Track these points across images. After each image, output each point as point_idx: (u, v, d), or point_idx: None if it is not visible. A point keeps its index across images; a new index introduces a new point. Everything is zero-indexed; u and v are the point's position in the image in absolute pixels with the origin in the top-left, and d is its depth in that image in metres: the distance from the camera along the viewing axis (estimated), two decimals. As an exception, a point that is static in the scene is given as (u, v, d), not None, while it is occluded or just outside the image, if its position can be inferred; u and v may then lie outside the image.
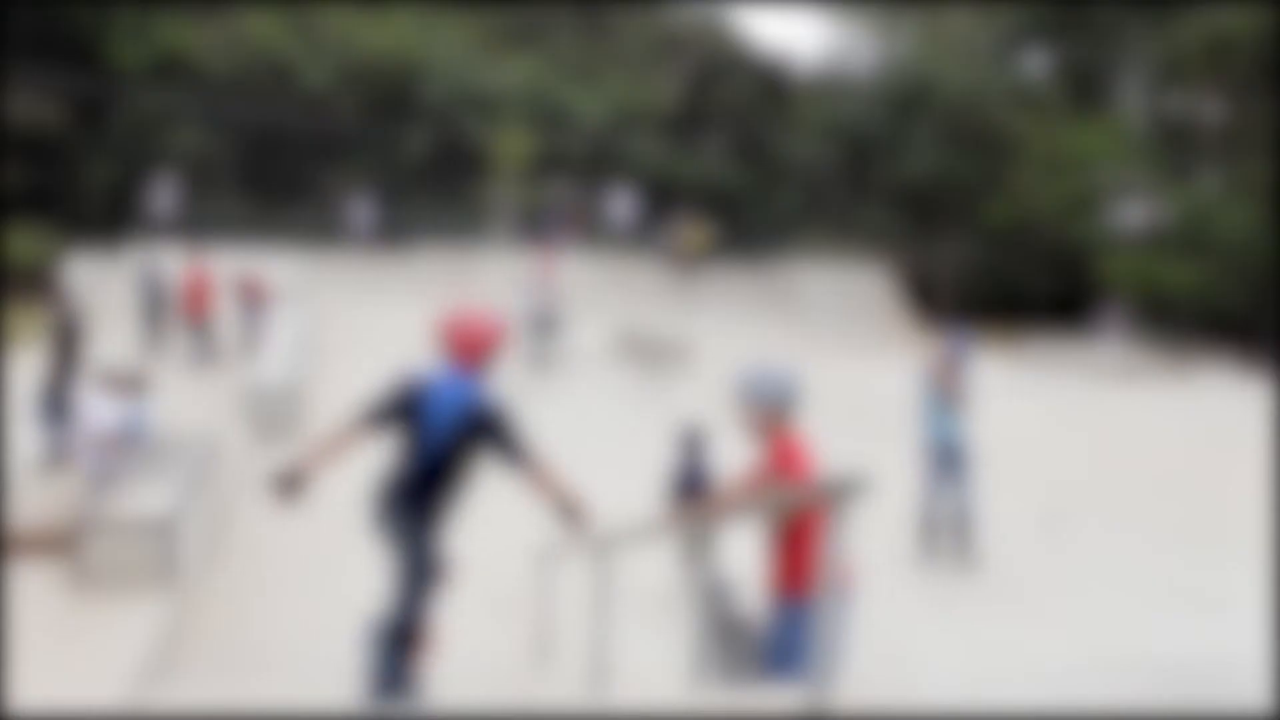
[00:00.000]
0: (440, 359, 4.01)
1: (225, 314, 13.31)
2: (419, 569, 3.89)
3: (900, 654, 5.67)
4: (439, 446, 3.89)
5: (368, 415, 3.90)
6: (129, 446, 7.15)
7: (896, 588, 6.55)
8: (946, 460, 7.43)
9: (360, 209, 18.67)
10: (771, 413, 3.62)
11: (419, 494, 3.92)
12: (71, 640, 5.33)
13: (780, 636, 3.53)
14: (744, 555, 4.05)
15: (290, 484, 3.89)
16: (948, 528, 7.55)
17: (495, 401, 3.96)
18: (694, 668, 4.49)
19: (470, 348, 3.98)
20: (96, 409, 7.18)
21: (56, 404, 8.04)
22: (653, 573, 6.19)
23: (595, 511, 4.08)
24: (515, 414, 3.98)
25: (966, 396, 7.54)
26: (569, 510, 3.94)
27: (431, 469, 3.91)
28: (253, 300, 13.11)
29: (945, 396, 7.39)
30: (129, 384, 7.54)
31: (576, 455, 9.81)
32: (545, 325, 13.06)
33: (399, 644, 3.95)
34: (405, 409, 3.88)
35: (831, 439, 4.31)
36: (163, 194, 17.72)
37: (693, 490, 6.67)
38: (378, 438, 3.93)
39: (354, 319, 14.47)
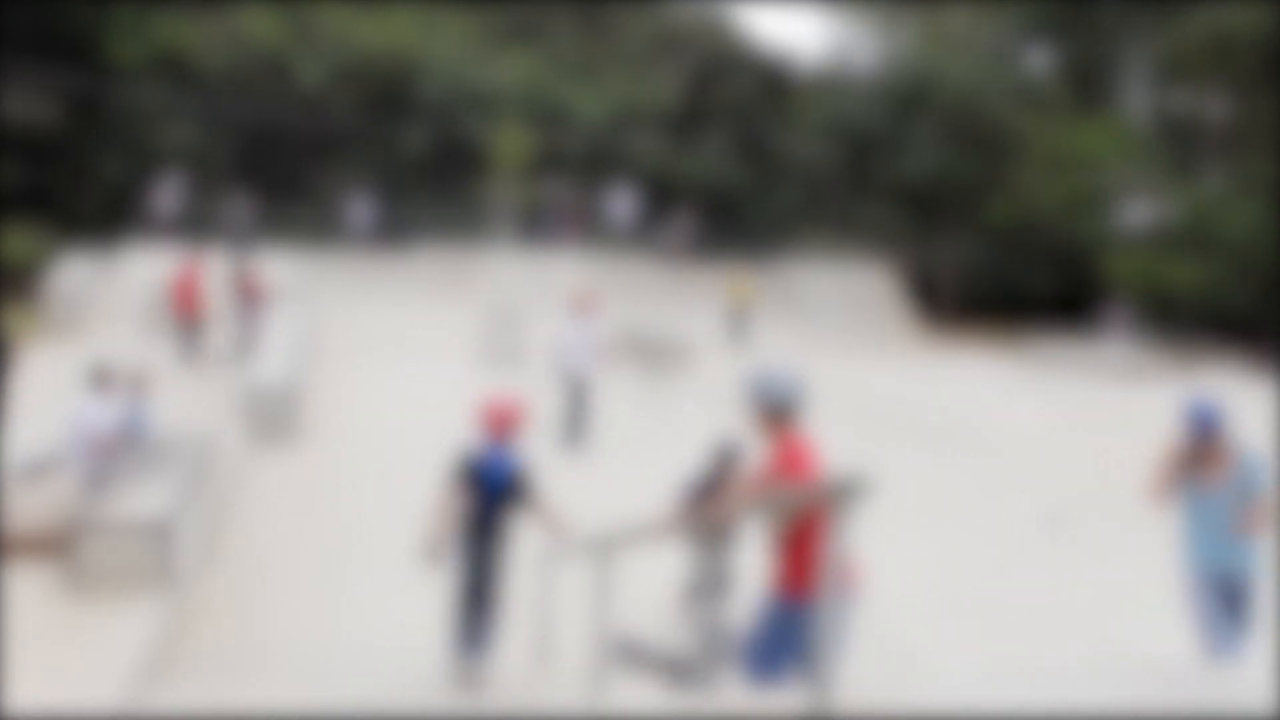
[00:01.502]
0: (481, 436, 5.35)
1: (223, 313, 13.23)
2: (472, 587, 5.25)
3: (904, 653, 5.63)
4: (493, 502, 5.25)
5: (450, 486, 5.26)
6: (128, 447, 7.10)
7: (903, 590, 6.49)
8: (1221, 595, 4.74)
9: (360, 208, 18.60)
10: (777, 413, 3.64)
11: (480, 535, 5.29)
12: (68, 642, 5.29)
13: (771, 633, 3.52)
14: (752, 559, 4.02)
15: (433, 554, 5.14)
16: None
17: (526, 467, 5.36)
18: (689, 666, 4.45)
19: (501, 425, 5.34)
20: (90, 410, 7.13)
21: None
22: (653, 575, 6.14)
23: (577, 531, 5.19)
24: (538, 476, 5.39)
25: (1230, 491, 4.69)
26: (557, 533, 5.31)
27: (488, 518, 5.27)
28: (250, 300, 13.02)
29: (1200, 497, 4.73)
30: (126, 384, 7.49)
31: (575, 456, 9.80)
32: (578, 392, 10.39)
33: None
34: (469, 480, 5.24)
35: (833, 439, 4.27)
36: (167, 193, 17.65)
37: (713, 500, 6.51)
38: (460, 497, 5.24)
39: (353, 319, 14.42)
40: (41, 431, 7.41)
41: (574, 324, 10.58)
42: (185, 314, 12.48)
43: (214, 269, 13.51)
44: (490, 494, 5.21)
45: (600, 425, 10.64)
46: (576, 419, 10.35)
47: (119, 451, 7.02)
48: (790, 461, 3.56)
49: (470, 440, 5.43)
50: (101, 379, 7.31)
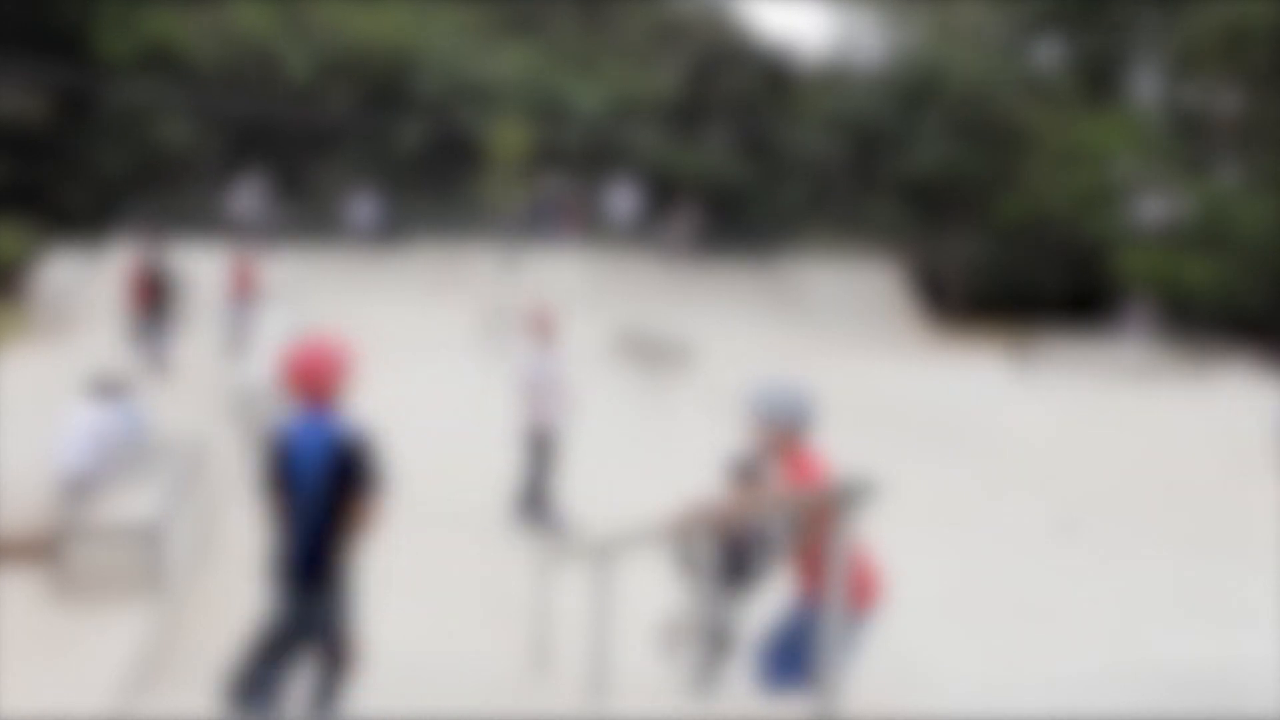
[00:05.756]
0: (292, 403, 3.72)
1: (216, 308, 12.98)
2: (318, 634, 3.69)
3: (912, 661, 5.50)
4: (311, 501, 3.56)
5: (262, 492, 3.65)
6: (122, 451, 7.00)
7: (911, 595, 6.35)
8: None
9: (363, 205, 18.45)
10: (787, 431, 3.56)
11: (307, 562, 3.56)
12: (56, 650, 5.19)
13: (796, 639, 3.46)
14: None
15: None
16: None
17: (360, 435, 3.62)
18: (695, 677, 4.34)
19: (315, 381, 3.68)
20: (89, 415, 7.03)
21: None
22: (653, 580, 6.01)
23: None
24: (379, 448, 3.66)
25: None
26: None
27: (311, 529, 3.55)
28: (245, 292, 12.69)
29: None
30: (116, 388, 7.38)
31: (574, 458, 9.64)
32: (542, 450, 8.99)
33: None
34: (276, 471, 3.58)
35: (838, 442, 4.14)
36: (248, 195, 17.46)
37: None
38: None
39: (348, 317, 14.24)
40: (40, 437, 7.28)
41: (537, 353, 7.70)
42: (140, 310, 12.01)
43: (213, 264, 13.29)
44: (305, 491, 3.54)
45: (596, 428, 10.44)
46: (538, 486, 7.72)
47: (115, 455, 6.93)
48: (804, 478, 3.51)
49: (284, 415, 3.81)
50: (105, 387, 7.23)
